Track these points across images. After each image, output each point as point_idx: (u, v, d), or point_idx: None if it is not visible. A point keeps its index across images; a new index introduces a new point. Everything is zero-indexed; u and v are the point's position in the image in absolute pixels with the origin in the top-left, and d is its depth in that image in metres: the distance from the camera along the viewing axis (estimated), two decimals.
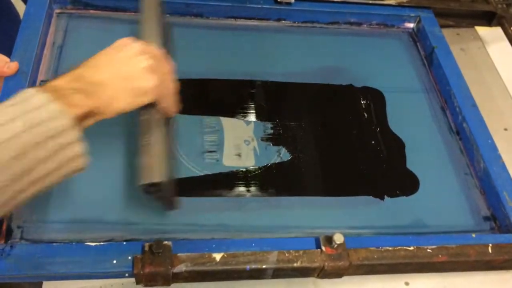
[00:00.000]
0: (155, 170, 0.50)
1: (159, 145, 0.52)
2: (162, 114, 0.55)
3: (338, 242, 0.54)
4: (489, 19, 0.91)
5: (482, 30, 0.93)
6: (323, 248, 0.54)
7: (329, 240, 0.55)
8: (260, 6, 0.81)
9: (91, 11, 0.78)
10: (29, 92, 0.42)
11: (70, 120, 0.42)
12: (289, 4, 0.81)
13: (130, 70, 0.50)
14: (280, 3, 0.81)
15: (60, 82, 0.46)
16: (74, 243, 0.52)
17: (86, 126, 0.46)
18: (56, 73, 0.69)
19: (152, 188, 0.51)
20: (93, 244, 0.52)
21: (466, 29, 0.94)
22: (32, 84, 0.65)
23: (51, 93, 0.43)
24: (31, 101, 0.41)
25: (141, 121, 0.53)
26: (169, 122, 0.57)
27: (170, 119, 0.58)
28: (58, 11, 0.76)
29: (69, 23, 0.76)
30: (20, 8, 1.28)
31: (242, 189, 0.62)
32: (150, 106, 0.53)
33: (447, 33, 0.87)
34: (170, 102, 0.55)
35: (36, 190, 0.42)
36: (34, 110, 0.41)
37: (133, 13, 0.79)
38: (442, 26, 0.85)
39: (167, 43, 0.64)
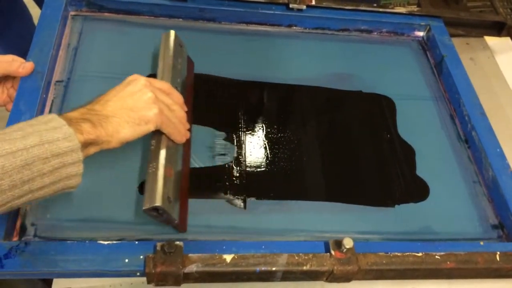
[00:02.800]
0: (156, 195, 0.53)
1: (163, 171, 0.55)
2: (171, 142, 0.59)
3: (347, 247, 0.54)
4: (498, 29, 0.91)
5: (491, 40, 0.94)
6: (333, 252, 0.55)
7: (338, 244, 0.55)
8: (272, 12, 0.82)
9: (106, 14, 0.79)
10: (50, 116, 0.48)
11: (78, 143, 0.47)
12: (300, 10, 0.82)
13: (134, 102, 0.55)
14: (292, 9, 0.82)
15: (74, 114, 0.51)
16: (87, 241, 0.53)
17: (90, 154, 0.51)
18: (71, 74, 0.70)
19: (154, 212, 0.53)
20: (105, 242, 0.52)
21: (475, 38, 0.94)
22: (48, 84, 0.66)
23: (66, 121, 0.48)
24: (50, 123, 0.47)
25: (150, 150, 0.57)
26: (183, 149, 0.61)
27: (185, 146, 0.62)
28: (73, 13, 0.77)
29: (84, 25, 0.77)
30: (32, 9, 1.30)
31: (252, 192, 0.63)
32: (159, 134, 0.58)
33: (457, 42, 0.87)
34: (173, 129, 0.59)
35: (29, 199, 0.46)
36: (51, 130, 0.46)
37: (147, 17, 0.80)
38: (452, 35, 0.86)
39: (182, 79, 0.68)
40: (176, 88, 0.63)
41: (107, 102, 0.54)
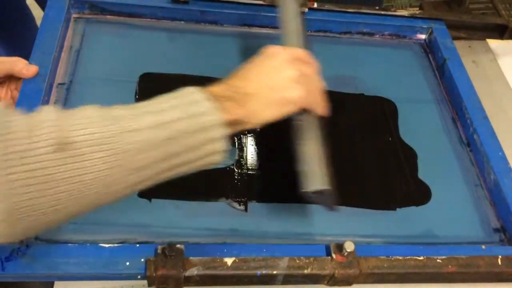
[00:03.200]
0: (319, 177, 0.51)
1: (318, 151, 0.53)
2: (315, 117, 0.55)
3: (348, 250, 0.54)
4: (501, 32, 0.91)
5: (493, 43, 0.94)
6: (334, 255, 0.55)
7: (339, 247, 0.55)
8: (274, 14, 0.82)
9: (108, 16, 0.79)
10: (191, 90, 0.47)
11: (221, 118, 0.46)
12: (302, 13, 0.82)
13: (277, 80, 0.51)
14: None
15: (215, 89, 0.49)
16: (88, 244, 0.53)
17: (230, 133, 0.48)
18: (73, 76, 0.70)
19: (315, 195, 0.52)
20: (106, 245, 0.52)
21: (477, 41, 0.94)
22: (50, 86, 0.67)
23: (210, 95, 0.46)
24: (191, 97, 0.46)
25: (296, 126, 0.54)
26: (321, 124, 0.57)
27: (322, 120, 0.58)
28: (76, 15, 0.78)
29: (86, 27, 0.77)
30: (34, 11, 1.30)
31: (253, 195, 0.63)
32: (303, 111, 0.54)
33: (459, 45, 0.87)
34: (319, 106, 0.55)
35: (173, 174, 0.46)
36: (192, 103, 0.45)
37: (149, 19, 0.80)
38: (454, 38, 0.86)
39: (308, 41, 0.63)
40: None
41: (248, 79, 0.51)
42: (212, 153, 0.46)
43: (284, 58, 0.53)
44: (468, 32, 0.92)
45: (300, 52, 0.55)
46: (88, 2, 0.77)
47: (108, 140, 0.41)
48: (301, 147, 0.53)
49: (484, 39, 0.94)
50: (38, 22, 1.30)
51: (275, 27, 0.83)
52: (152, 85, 0.72)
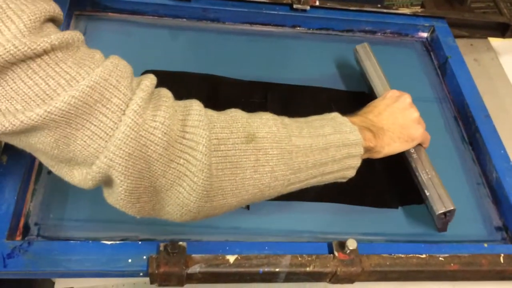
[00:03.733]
0: (446, 200, 0.61)
1: (437, 177, 0.63)
2: (423, 150, 0.65)
3: (351, 248, 0.54)
4: (502, 30, 0.91)
5: (495, 41, 0.94)
6: (336, 253, 0.55)
7: (342, 245, 0.55)
8: (275, 12, 0.82)
9: (110, 14, 0.79)
10: (335, 114, 0.56)
11: (361, 138, 0.54)
12: (304, 11, 0.82)
13: (404, 120, 0.61)
14: (296, 10, 0.82)
15: (354, 119, 0.57)
16: (90, 241, 0.53)
17: (362, 158, 0.56)
18: None
19: (444, 215, 0.61)
20: (109, 242, 0.52)
21: (479, 40, 0.94)
22: None
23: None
24: (338, 119, 0.55)
25: (414, 159, 0.64)
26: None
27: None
28: (77, 13, 0.77)
29: (88, 25, 0.77)
30: None
31: None
32: (417, 145, 0.65)
33: (461, 43, 0.87)
34: (427, 142, 0.66)
35: (317, 181, 0.53)
36: (340, 124, 0.54)
37: (151, 17, 0.80)
38: (456, 37, 0.86)
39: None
40: None
41: (380, 115, 0.60)
42: (348, 167, 0.54)
43: (408, 102, 0.63)
44: (470, 31, 0.92)
45: (410, 97, 0.65)
46: None
47: (281, 140, 0.48)
48: (423, 175, 0.63)
49: (486, 38, 0.94)
50: None
51: (277, 25, 0.84)
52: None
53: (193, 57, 0.76)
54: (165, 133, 0.41)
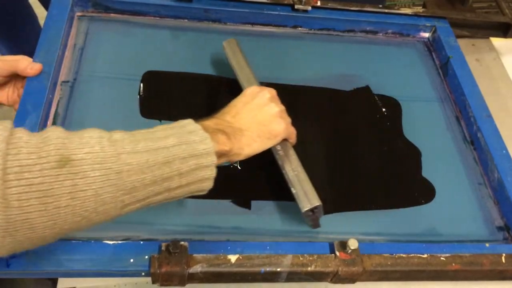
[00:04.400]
0: (312, 195, 0.57)
1: (304, 173, 0.59)
2: (291, 146, 0.62)
3: (352, 248, 0.54)
4: (504, 30, 0.91)
5: (497, 41, 0.94)
6: (337, 253, 0.55)
7: (343, 245, 0.55)
8: (277, 13, 0.82)
9: (112, 15, 0.79)
10: (186, 121, 0.50)
11: (214, 147, 0.49)
12: (305, 11, 0.82)
13: (264, 116, 0.57)
14: (297, 10, 0.82)
15: (208, 122, 0.53)
16: (92, 241, 0.53)
17: (219, 163, 0.51)
18: (77, 74, 0.70)
19: (311, 212, 0.57)
20: (111, 242, 0.53)
21: (481, 40, 0.94)
22: (54, 84, 0.67)
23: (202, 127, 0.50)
24: (187, 127, 0.49)
25: (280, 156, 0.60)
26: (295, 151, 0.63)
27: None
28: (79, 13, 0.78)
29: (90, 25, 0.77)
30: (37, 9, 1.30)
31: (257, 193, 0.63)
32: (282, 141, 0.61)
33: (462, 43, 0.87)
34: (293, 137, 0.62)
35: (165, 198, 0.48)
36: (187, 133, 0.49)
37: (152, 17, 0.80)
38: (458, 37, 0.86)
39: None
40: None
41: (237, 114, 0.56)
42: (201, 179, 0.49)
43: (267, 96, 0.59)
44: (472, 31, 0.92)
45: (274, 91, 0.61)
46: (92, 0, 0.77)
47: (106, 160, 0.43)
48: (289, 173, 0.59)
49: (488, 38, 0.94)
50: (41, 21, 1.30)
51: (278, 25, 0.84)
52: (156, 83, 0.72)
53: (195, 57, 0.77)
54: None
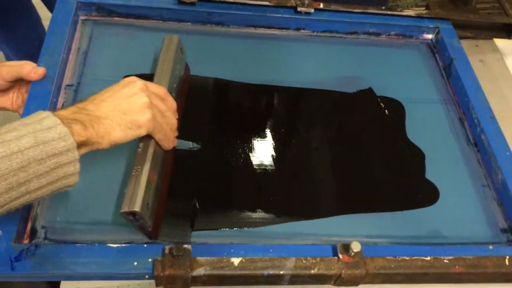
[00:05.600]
0: (135, 200, 0.52)
1: (146, 176, 0.55)
2: (159, 147, 0.58)
3: (355, 250, 0.54)
4: (508, 31, 0.91)
5: (500, 42, 0.93)
6: (340, 256, 0.55)
7: (346, 248, 0.55)
8: (280, 15, 0.82)
9: (116, 18, 0.80)
10: (43, 114, 0.48)
11: (73, 142, 0.47)
12: (308, 14, 0.82)
13: (129, 105, 0.54)
14: (300, 12, 0.82)
15: (64, 112, 0.50)
16: (96, 244, 0.53)
17: (81, 154, 0.49)
18: (81, 78, 0.71)
19: (131, 217, 0.53)
20: (114, 245, 0.53)
21: (484, 41, 0.94)
22: (58, 88, 0.67)
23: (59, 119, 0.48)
24: (44, 122, 0.47)
25: (136, 152, 0.57)
26: (167, 156, 0.61)
27: (169, 152, 0.61)
28: (83, 18, 0.78)
29: (93, 29, 0.78)
30: (40, 10, 1.30)
31: (260, 198, 0.63)
32: (148, 138, 0.57)
33: (466, 44, 0.87)
34: (164, 135, 0.58)
35: (27, 200, 0.46)
36: (45, 130, 0.46)
37: (155, 21, 0.81)
38: (461, 38, 0.86)
39: (178, 85, 0.68)
40: (171, 93, 0.62)
41: (101, 102, 0.53)
42: (64, 176, 0.47)
43: (139, 87, 0.56)
44: (475, 32, 0.91)
45: (158, 88, 0.59)
46: (95, 4, 0.77)
47: None
48: (133, 172, 0.55)
49: (491, 39, 0.94)
50: (44, 22, 1.30)
51: (281, 28, 0.84)
52: None
53: (198, 60, 0.77)
54: None
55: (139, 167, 0.55)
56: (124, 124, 0.53)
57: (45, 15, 1.28)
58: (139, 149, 0.57)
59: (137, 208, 0.51)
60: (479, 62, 0.91)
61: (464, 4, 0.99)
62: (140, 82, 0.57)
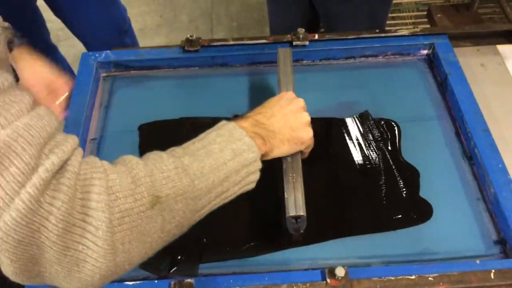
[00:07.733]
0: (300, 205, 0.61)
1: (301, 184, 0.63)
2: (300, 159, 0.66)
3: (340, 275, 0.60)
4: (509, 37, 0.91)
5: (502, 46, 0.94)
6: (328, 280, 0.61)
7: (333, 272, 0.61)
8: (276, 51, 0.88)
9: (132, 72, 0.89)
10: (231, 124, 0.56)
11: (259, 153, 0.55)
12: (304, 46, 0.88)
13: (295, 122, 0.62)
14: (296, 46, 0.88)
15: (245, 124, 0.58)
16: (115, 283, 0.62)
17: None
18: (102, 131, 0.81)
19: (293, 220, 0.62)
20: (131, 283, 0.62)
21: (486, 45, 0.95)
22: (84, 142, 0.77)
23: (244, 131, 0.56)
24: (234, 134, 0.55)
25: (287, 161, 0.64)
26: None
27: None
28: (104, 75, 0.89)
29: (113, 83, 0.88)
30: (45, 13, 1.30)
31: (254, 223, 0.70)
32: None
33: (467, 49, 0.89)
34: (310, 149, 0.66)
35: (218, 205, 0.54)
36: (236, 141, 0.54)
37: (166, 69, 0.89)
38: (462, 46, 0.87)
39: None
40: None
41: (272, 117, 0.61)
42: (249, 183, 0.55)
43: (301, 105, 0.64)
44: (475, 41, 0.93)
45: (304, 102, 0.66)
46: (113, 62, 0.88)
47: (185, 191, 0.48)
48: (288, 179, 0.63)
49: (493, 45, 0.94)
50: (49, 25, 1.32)
51: None
52: (152, 134, 0.80)
53: (207, 101, 0.84)
54: (60, 219, 0.38)
55: (293, 174, 0.63)
56: (292, 140, 0.61)
57: (48, 17, 1.32)
58: (289, 158, 0.64)
59: (302, 212, 0.60)
60: (481, 66, 0.92)
61: (467, 9, 1.00)
62: (301, 100, 0.65)
